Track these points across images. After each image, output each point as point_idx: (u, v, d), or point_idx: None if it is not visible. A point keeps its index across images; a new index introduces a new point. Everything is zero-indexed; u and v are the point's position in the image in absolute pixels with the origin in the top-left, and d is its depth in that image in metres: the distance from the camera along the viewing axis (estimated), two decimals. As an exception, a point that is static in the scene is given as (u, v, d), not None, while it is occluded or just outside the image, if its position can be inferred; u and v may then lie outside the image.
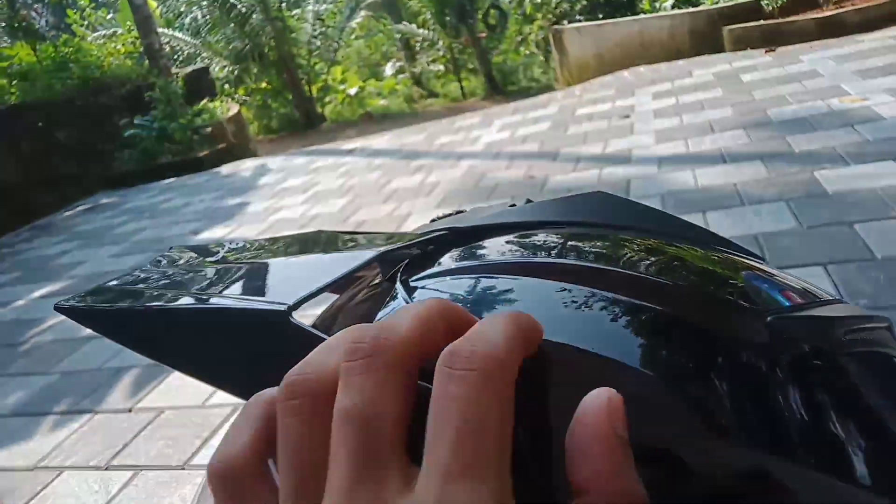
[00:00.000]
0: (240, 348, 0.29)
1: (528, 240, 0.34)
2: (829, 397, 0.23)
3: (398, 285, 0.30)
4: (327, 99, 11.29)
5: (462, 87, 11.31)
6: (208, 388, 1.94)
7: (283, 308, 0.27)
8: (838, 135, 2.65)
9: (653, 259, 0.32)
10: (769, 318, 0.26)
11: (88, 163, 6.33)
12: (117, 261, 3.65)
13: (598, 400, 0.17)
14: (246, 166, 5.62)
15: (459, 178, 3.50)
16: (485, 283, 0.30)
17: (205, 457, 1.63)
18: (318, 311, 0.35)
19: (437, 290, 0.30)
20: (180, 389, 2.00)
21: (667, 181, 2.66)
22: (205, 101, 7.15)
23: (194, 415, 1.83)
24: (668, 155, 2.95)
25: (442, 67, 11.91)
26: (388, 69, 12.84)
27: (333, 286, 0.30)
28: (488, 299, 0.28)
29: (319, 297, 0.30)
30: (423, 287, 0.30)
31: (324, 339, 0.24)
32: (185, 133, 6.33)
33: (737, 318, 0.26)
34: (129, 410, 1.96)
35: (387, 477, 0.16)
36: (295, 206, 3.87)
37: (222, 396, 1.89)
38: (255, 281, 0.34)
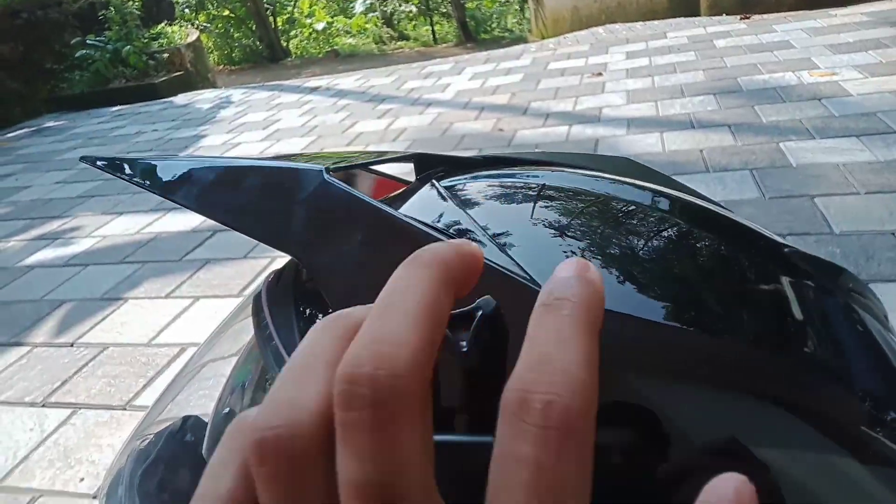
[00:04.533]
0: (273, 201, 0.30)
1: (563, 171, 0.37)
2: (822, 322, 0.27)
3: (434, 182, 0.32)
4: (293, 33, 10.87)
5: (434, 32, 11.01)
6: (156, 326, 1.88)
7: (319, 168, 0.29)
8: (806, 108, 2.66)
9: (685, 205, 0.34)
10: (786, 250, 0.29)
11: (35, 82, 5.96)
12: (64, 187, 3.48)
13: (725, 486, 0.13)
14: (203, 97, 5.39)
15: (427, 125, 3.41)
16: (528, 177, 0.32)
17: (148, 398, 1.58)
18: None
19: (474, 188, 0.32)
20: (126, 325, 1.93)
21: (634, 143, 2.64)
22: (163, 24, 6.78)
23: (139, 353, 1.77)
24: (637, 117, 2.93)
25: (414, 8, 11.54)
26: (358, 6, 12.37)
27: (370, 165, 0.32)
28: (532, 193, 0.30)
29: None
30: (458, 185, 0.32)
31: (357, 200, 0.27)
32: (140, 57, 6.01)
33: (759, 244, 0.31)
34: (71, 345, 1.88)
35: None
36: (254, 142, 3.74)
37: (170, 335, 1.83)
38: (289, 159, 0.34)
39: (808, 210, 1.90)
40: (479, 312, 0.18)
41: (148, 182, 0.33)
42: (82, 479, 1.37)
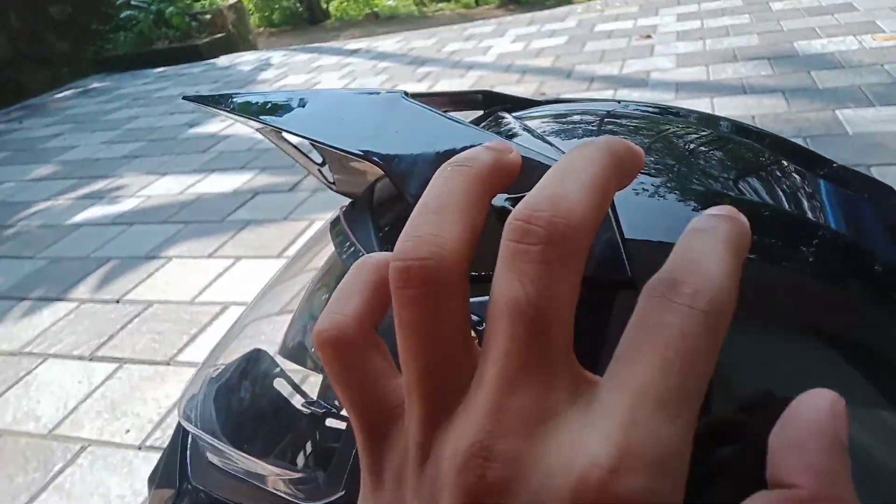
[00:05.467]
0: (361, 118, 0.33)
1: (635, 104, 0.38)
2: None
3: (505, 114, 0.33)
4: (333, -6, 10.76)
5: (475, -7, 10.78)
6: (199, 284, 1.92)
7: (399, 92, 0.33)
8: (866, 73, 2.53)
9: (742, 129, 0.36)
10: (834, 165, 0.30)
11: (82, 43, 6.06)
12: (110, 147, 3.55)
13: (820, 399, 0.14)
14: (245, 59, 5.40)
15: (467, 88, 3.36)
16: (599, 108, 0.33)
17: (191, 355, 1.62)
18: None
19: (544, 118, 0.33)
20: (170, 283, 1.97)
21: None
22: (205, -15, 6.78)
23: (183, 311, 1.81)
24: (687, 81, 2.83)
25: (456, -31, 11.28)
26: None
27: (443, 97, 0.34)
28: (604, 120, 0.32)
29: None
30: (527, 116, 0.33)
31: (436, 114, 0.30)
32: (183, 18, 6.04)
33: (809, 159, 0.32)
34: (117, 301, 1.94)
35: (556, 382, 0.15)
36: (294, 105, 3.74)
37: (212, 294, 1.87)
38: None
39: (866, 181, 1.81)
40: None
41: (244, 112, 0.37)
42: (128, 431, 1.42)
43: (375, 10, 10.31)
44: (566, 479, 0.13)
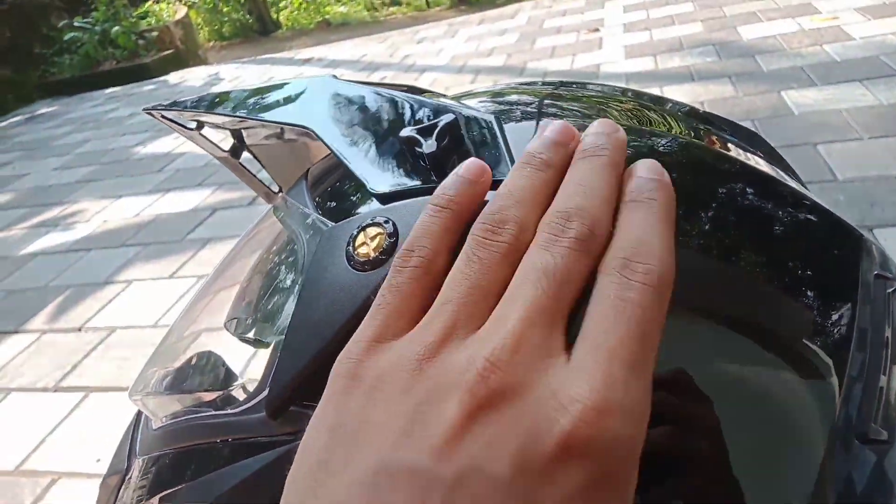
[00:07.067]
0: (296, 101, 0.37)
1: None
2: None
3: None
4: (283, 4, 10.67)
5: (425, -4, 10.79)
6: (161, 308, 1.89)
7: (329, 75, 0.38)
8: (807, 54, 2.61)
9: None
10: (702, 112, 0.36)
11: (25, 68, 5.90)
12: (62, 173, 3.46)
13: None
14: (195, 74, 5.32)
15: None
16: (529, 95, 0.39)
17: (158, 377, 1.59)
18: None
19: (483, 100, 0.37)
20: (132, 308, 1.94)
21: (634, 99, 2.60)
22: (150, 2, 6.67)
23: (146, 335, 1.78)
24: (636, 71, 2.88)
25: (404, -27, 11.27)
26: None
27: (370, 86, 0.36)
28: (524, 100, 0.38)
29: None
30: (465, 98, 0.38)
31: (362, 86, 0.35)
32: (129, 37, 5.92)
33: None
34: (79, 329, 1.89)
35: (557, 331, 0.18)
36: (249, 118, 3.69)
37: (176, 315, 1.83)
38: None
39: (811, 158, 1.87)
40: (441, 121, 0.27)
41: (198, 109, 0.42)
42: (98, 460, 1.39)
43: (327, 17, 10.24)
44: (555, 407, 0.16)
